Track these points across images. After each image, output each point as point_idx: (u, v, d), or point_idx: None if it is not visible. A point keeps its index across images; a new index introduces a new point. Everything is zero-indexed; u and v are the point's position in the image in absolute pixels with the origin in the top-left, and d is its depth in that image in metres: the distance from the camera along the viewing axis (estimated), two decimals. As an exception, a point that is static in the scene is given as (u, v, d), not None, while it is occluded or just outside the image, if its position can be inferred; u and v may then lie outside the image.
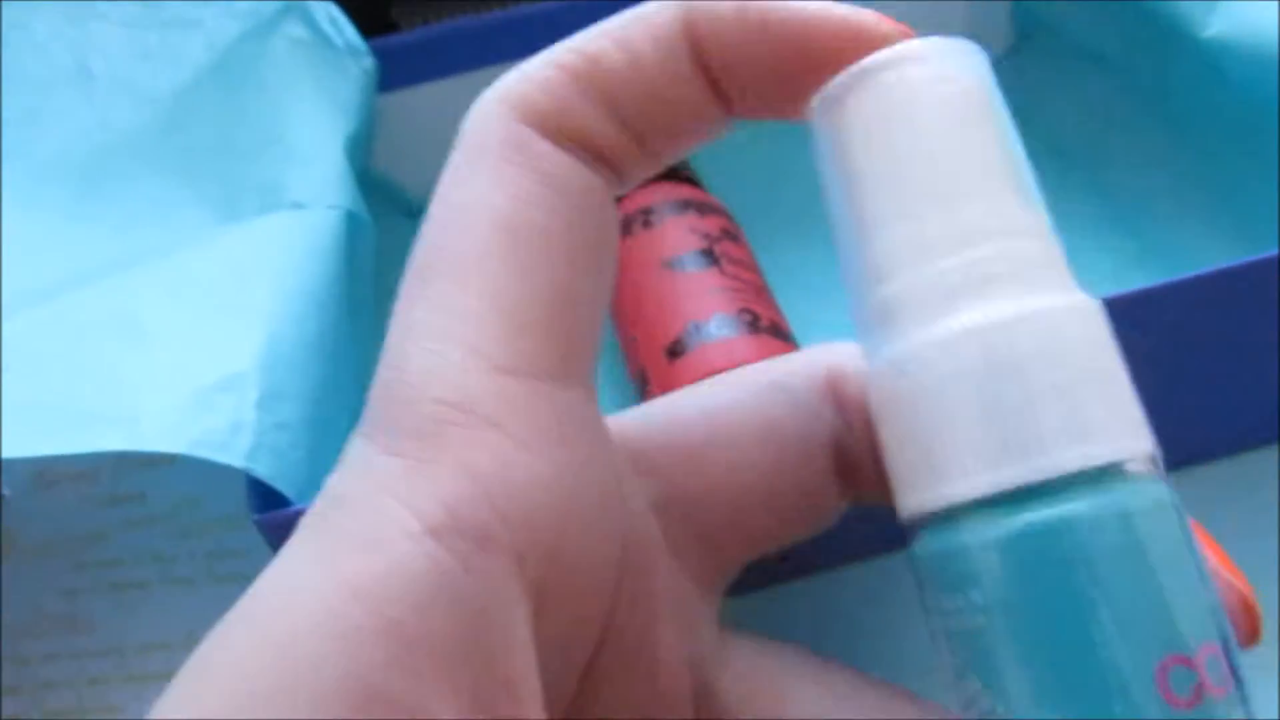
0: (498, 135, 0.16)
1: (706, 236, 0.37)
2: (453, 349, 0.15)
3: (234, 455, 0.27)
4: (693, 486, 0.17)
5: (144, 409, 0.27)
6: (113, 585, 0.37)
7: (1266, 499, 0.30)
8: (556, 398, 0.15)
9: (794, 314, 0.36)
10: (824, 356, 0.19)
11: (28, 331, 0.30)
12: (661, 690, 0.17)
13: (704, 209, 0.39)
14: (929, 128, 0.14)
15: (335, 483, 0.15)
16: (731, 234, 0.39)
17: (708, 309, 0.35)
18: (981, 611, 0.13)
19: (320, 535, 0.14)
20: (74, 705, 0.34)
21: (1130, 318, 0.31)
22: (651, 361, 0.34)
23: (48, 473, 0.40)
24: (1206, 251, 0.39)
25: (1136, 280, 0.31)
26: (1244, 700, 0.13)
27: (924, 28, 0.16)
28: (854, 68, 0.14)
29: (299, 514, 0.30)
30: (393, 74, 0.48)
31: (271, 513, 0.29)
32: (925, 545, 0.14)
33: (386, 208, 0.47)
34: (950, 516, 0.13)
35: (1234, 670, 0.13)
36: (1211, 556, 0.16)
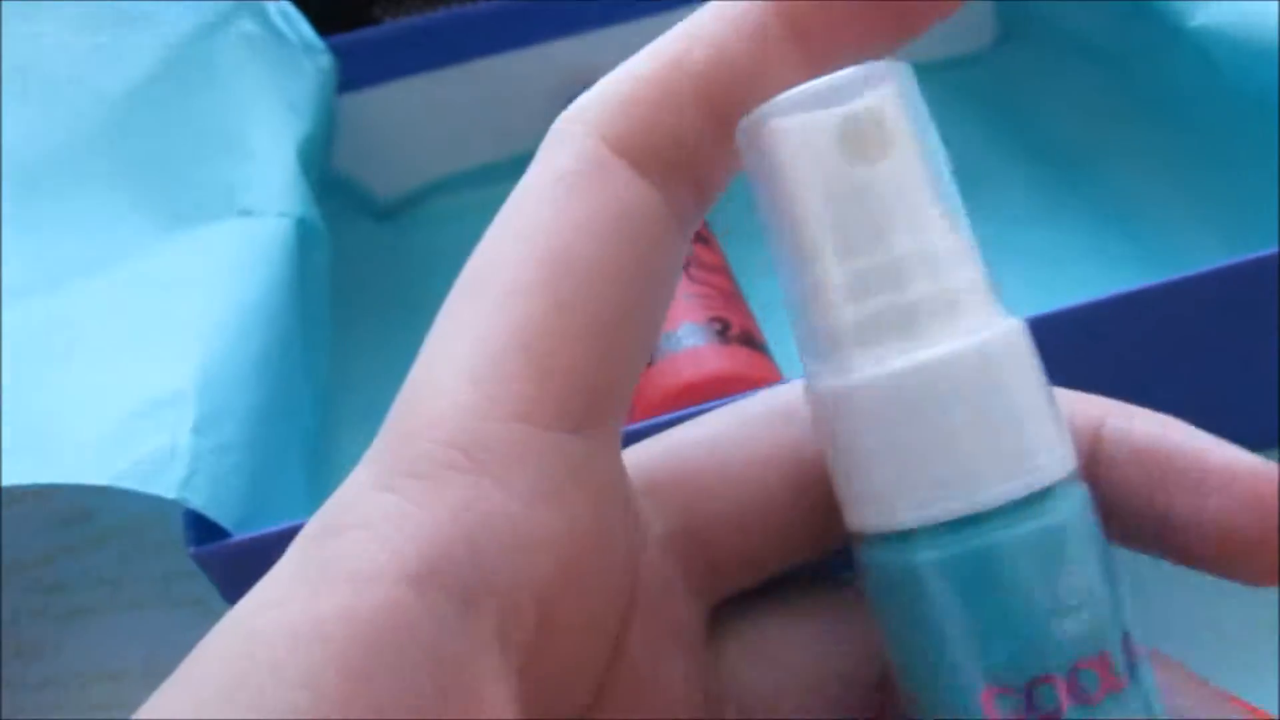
0: (569, 158, 0.15)
1: (676, 240, 0.36)
2: (469, 389, 0.14)
3: (166, 486, 0.25)
4: (704, 519, 0.17)
5: (69, 436, 0.26)
6: (68, 611, 0.36)
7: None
8: (572, 448, 0.15)
9: (775, 318, 0.35)
10: None
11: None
12: None
13: (673, 211, 0.37)
14: (839, 166, 0.14)
15: (332, 505, 0.15)
16: (703, 237, 0.37)
17: (675, 317, 0.33)
18: (891, 624, 0.15)
19: (307, 563, 0.14)
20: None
21: (1128, 318, 0.31)
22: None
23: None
24: (1201, 249, 0.37)
25: (1130, 280, 0.30)
26: (1142, 695, 0.14)
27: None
28: (763, 107, 0.14)
29: (242, 547, 0.28)
30: (357, 71, 0.46)
31: (211, 545, 0.27)
32: (861, 554, 0.15)
33: (351, 211, 0.45)
34: (884, 538, 0.15)
35: (1132, 667, 0.14)
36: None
